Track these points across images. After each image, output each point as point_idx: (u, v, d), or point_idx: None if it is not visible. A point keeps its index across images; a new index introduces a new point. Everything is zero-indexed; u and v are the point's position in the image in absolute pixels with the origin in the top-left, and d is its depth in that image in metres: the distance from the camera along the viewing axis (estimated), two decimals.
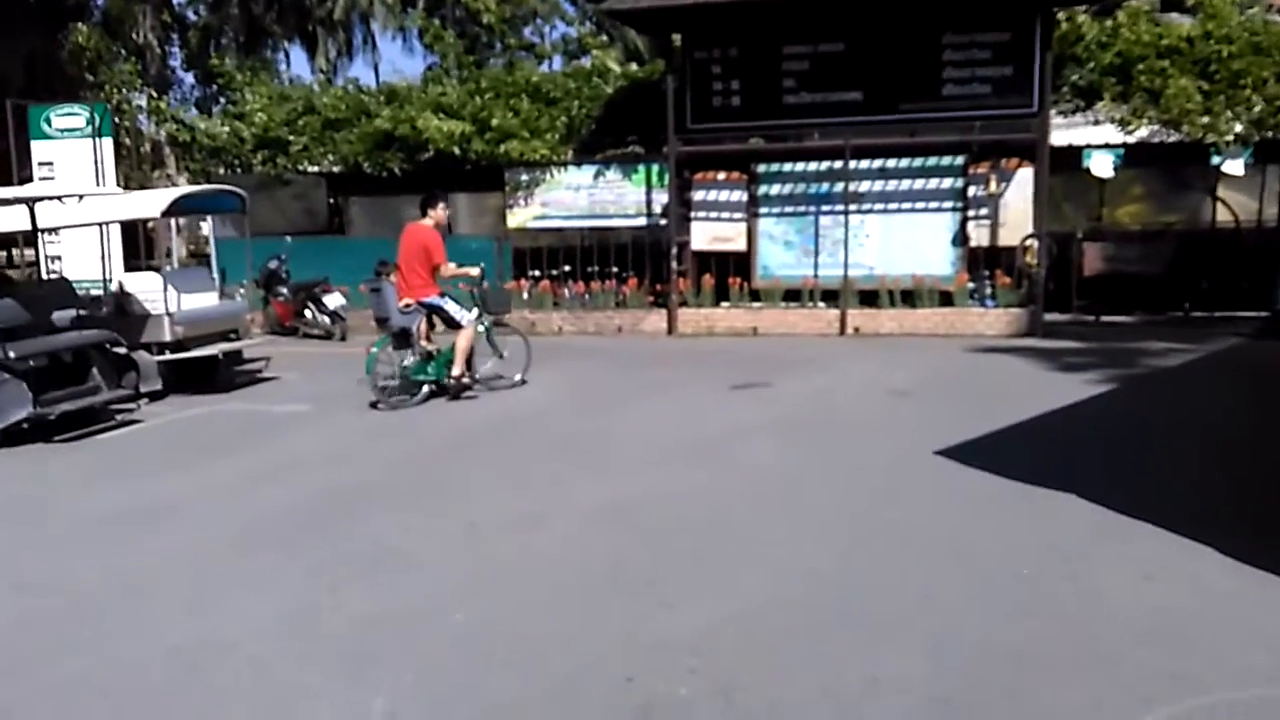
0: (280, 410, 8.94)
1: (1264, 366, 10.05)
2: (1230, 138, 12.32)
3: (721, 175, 14.08)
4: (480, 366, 9.41)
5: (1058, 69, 12.64)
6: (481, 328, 9.28)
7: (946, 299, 13.13)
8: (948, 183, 13.39)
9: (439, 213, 9.31)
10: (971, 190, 13.24)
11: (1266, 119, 12.20)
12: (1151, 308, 13.70)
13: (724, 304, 13.77)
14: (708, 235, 14.14)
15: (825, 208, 13.77)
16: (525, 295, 14.39)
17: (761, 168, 14.00)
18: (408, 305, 8.87)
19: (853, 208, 13.42)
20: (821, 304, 13.54)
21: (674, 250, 13.47)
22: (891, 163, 13.52)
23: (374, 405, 8.78)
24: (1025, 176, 12.90)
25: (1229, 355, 10.54)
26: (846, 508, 5.56)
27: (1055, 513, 5.30)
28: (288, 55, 31.07)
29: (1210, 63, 12.45)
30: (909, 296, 13.21)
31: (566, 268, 14.60)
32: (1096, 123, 13.03)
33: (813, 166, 13.79)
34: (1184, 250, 13.40)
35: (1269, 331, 11.94)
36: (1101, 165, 12.90)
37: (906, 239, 13.46)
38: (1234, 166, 12.53)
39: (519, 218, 14.82)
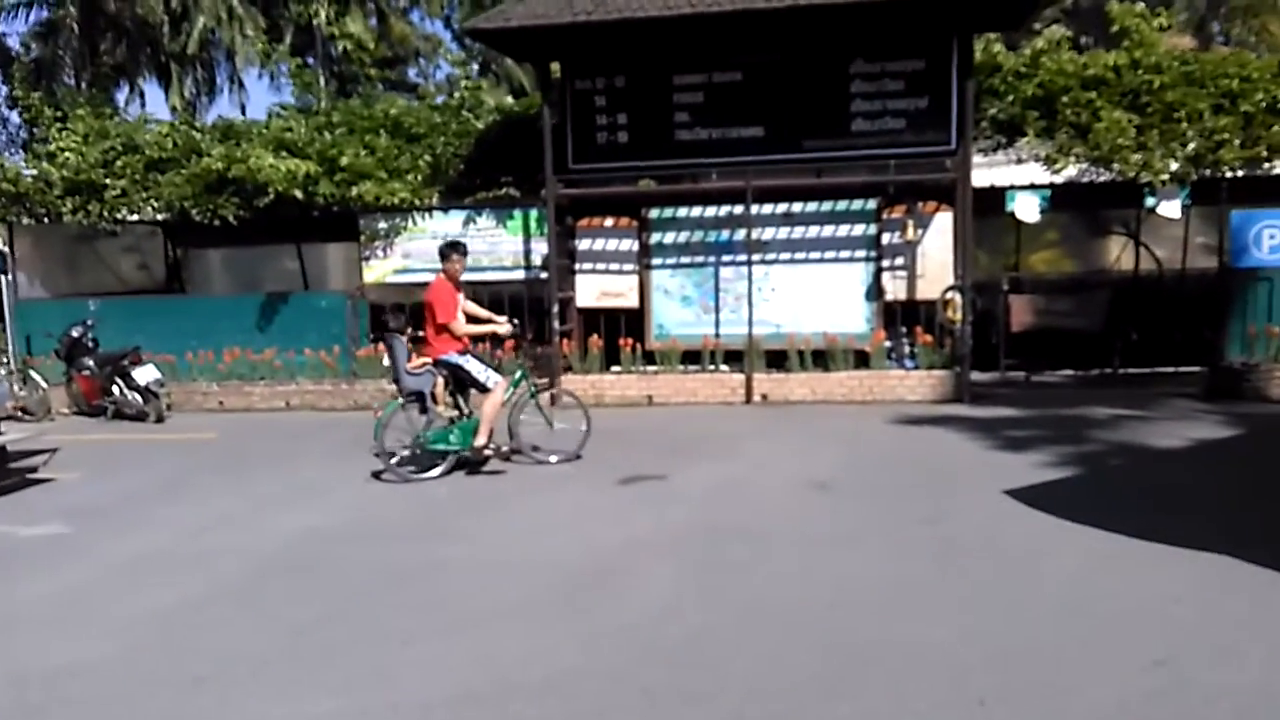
0: (27, 534, 6.77)
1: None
2: (1165, 176, 11.18)
3: (609, 221, 12.42)
4: (524, 438, 8.34)
5: (975, 102, 11.39)
6: (514, 392, 8.25)
7: (863, 359, 11.66)
8: (860, 229, 11.98)
9: (451, 265, 8.24)
10: (886, 237, 11.85)
11: (1203, 155, 11.09)
12: (1081, 363, 12.52)
13: (614, 368, 12.05)
14: (595, 290, 12.43)
15: (726, 258, 12.23)
16: (385, 361, 12.40)
17: (654, 213, 12.38)
18: (419, 365, 7.94)
19: (756, 257, 11.90)
20: (725, 367, 11.93)
21: (555, 308, 11.71)
22: (797, 207, 12.08)
23: (377, 476, 7.92)
24: (944, 221, 11.58)
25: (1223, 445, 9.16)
26: (786, 705, 3.79)
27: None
28: (142, 95, 28.43)
29: (1140, 94, 11.33)
30: (821, 357, 11.70)
31: None
32: (1019, 161, 11.79)
33: (711, 211, 12.24)
34: (1112, 301, 12.26)
35: (1217, 390, 10.78)
36: (1026, 208, 11.63)
37: (816, 292, 11.99)
38: (1170, 208, 11.39)
39: (376, 271, 12.88)
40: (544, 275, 12.14)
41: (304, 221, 13.24)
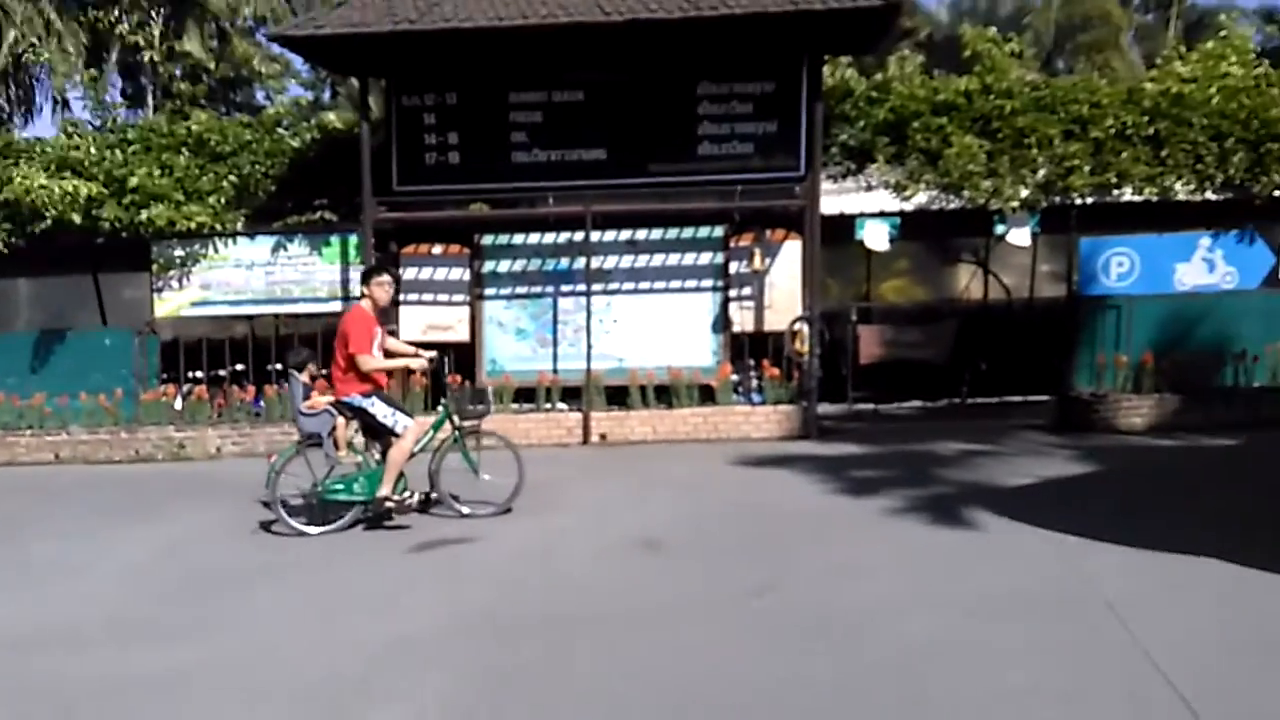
0: None
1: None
2: (1016, 203, 10.86)
3: (438, 248, 11.42)
4: (446, 488, 7.38)
5: (825, 127, 10.89)
6: (435, 437, 7.38)
7: (708, 394, 10.95)
8: (706, 257, 11.33)
9: (375, 289, 7.25)
10: (733, 266, 11.22)
11: (1054, 181, 10.82)
12: (931, 394, 12.13)
13: (440, 408, 10.96)
14: (421, 322, 11.37)
15: (565, 288, 11.39)
16: (177, 404, 11.07)
17: (487, 239, 11.46)
18: (312, 407, 7.18)
19: (597, 287, 11.09)
20: (562, 405, 11.04)
21: None
22: (641, 234, 11.35)
23: (266, 527, 7.19)
24: (793, 250, 11.04)
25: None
26: None
27: None
28: None
29: (991, 120, 11.01)
30: (665, 393, 10.93)
31: (239, 366, 11.42)
32: (869, 188, 11.32)
33: (549, 238, 11.39)
34: (961, 330, 11.94)
35: (1066, 421, 10.46)
36: (876, 236, 11.17)
37: (661, 324, 11.27)
38: (1019, 236, 11.09)
39: (171, 303, 11.54)
40: None
41: (96, 249, 11.79)
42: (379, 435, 7.22)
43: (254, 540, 7.09)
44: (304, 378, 7.34)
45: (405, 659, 4.64)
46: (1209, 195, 10.97)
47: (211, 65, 29.74)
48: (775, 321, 11.06)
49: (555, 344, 11.33)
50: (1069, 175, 10.80)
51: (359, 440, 7.27)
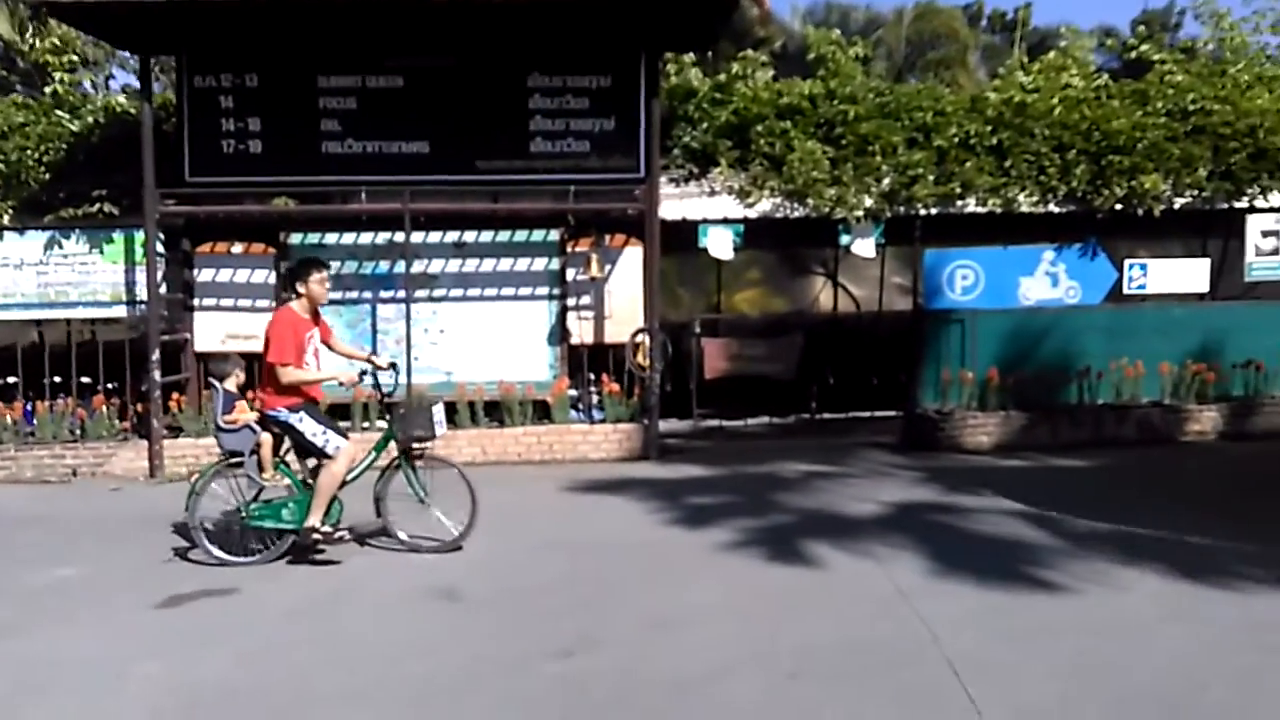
0: None
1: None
2: (860, 213, 10.42)
3: (238, 247, 10.24)
4: (389, 515, 6.64)
5: (667, 128, 10.24)
6: (377, 459, 6.62)
7: (544, 411, 10.13)
8: (541, 263, 10.51)
9: (314, 286, 6.32)
10: (571, 273, 10.43)
11: (898, 191, 10.42)
12: (778, 409, 11.60)
13: None
14: (219, 331, 10.17)
15: (384, 293, 10.39)
16: None
17: (294, 238, 10.34)
18: (233, 421, 6.34)
19: (421, 294, 10.14)
20: (381, 423, 9.96)
21: (156, 354, 9.34)
22: (470, 236, 10.44)
23: (183, 556, 6.48)
24: (635, 256, 10.33)
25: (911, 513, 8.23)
26: None
27: None
28: None
29: (835, 125, 10.54)
30: (497, 409, 10.05)
31: (10, 379, 9.96)
32: (712, 193, 10.69)
33: (366, 238, 10.36)
34: (809, 344, 11.47)
35: (913, 440, 10.09)
36: (719, 244, 10.56)
37: (493, 335, 10.39)
38: (864, 247, 10.65)
39: None
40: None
41: None
42: (308, 456, 6.32)
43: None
44: (229, 386, 6.53)
45: None
46: (1052, 207, 10.80)
47: (25, 48, 27.25)
48: (616, 333, 10.33)
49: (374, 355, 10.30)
50: (913, 184, 10.41)
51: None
